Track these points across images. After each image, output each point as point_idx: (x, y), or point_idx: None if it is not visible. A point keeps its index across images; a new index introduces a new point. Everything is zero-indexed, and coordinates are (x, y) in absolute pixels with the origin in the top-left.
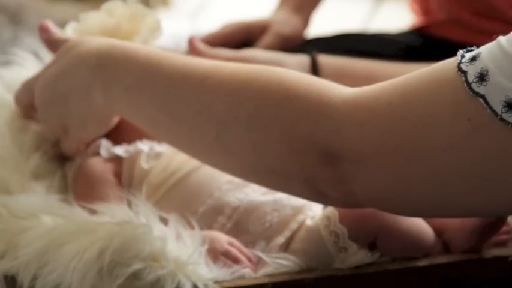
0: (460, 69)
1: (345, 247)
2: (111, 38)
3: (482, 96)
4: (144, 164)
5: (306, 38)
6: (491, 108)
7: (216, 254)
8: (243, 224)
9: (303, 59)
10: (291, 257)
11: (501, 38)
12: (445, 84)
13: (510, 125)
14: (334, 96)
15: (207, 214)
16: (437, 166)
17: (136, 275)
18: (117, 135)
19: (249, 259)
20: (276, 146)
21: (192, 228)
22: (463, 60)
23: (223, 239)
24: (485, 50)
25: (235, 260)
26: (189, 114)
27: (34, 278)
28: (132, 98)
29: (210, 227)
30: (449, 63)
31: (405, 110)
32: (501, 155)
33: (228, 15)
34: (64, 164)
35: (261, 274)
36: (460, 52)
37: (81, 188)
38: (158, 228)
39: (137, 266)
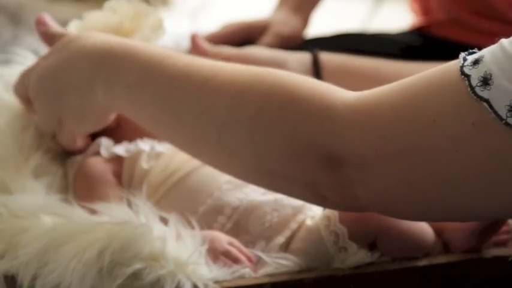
0: (462, 72)
1: (345, 247)
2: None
3: (487, 101)
4: (144, 164)
5: (306, 38)
6: (495, 112)
7: (216, 254)
8: (243, 224)
9: (305, 56)
10: (291, 256)
11: (504, 41)
12: (448, 88)
13: None
14: (336, 100)
15: (207, 214)
16: (441, 169)
17: (136, 275)
18: (117, 133)
19: (249, 259)
20: (277, 149)
21: (192, 228)
22: (466, 64)
23: (223, 239)
24: (488, 53)
25: (235, 260)
26: (190, 115)
27: (34, 278)
28: (133, 95)
29: (210, 226)
30: (452, 66)
31: (408, 113)
32: (506, 159)
33: (228, 15)
34: (64, 164)
35: (261, 274)
36: (462, 55)
37: (81, 188)
38: (158, 228)
39: (137, 266)
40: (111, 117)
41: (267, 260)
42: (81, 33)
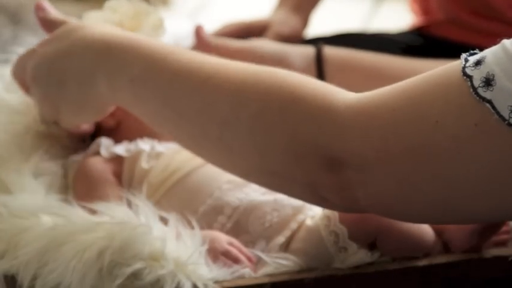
0: (465, 73)
1: (344, 247)
2: None
3: (489, 102)
4: (144, 163)
5: (306, 37)
6: (498, 113)
7: (216, 254)
8: (243, 224)
9: (308, 50)
10: (291, 256)
11: (506, 42)
12: (450, 89)
13: None
14: (337, 101)
15: (207, 214)
16: (443, 170)
17: (136, 275)
18: (117, 133)
19: (249, 259)
20: (278, 148)
21: (192, 228)
22: (468, 65)
23: (223, 239)
24: (490, 54)
25: (235, 260)
26: (192, 111)
27: (34, 278)
28: (136, 90)
29: (210, 226)
30: (454, 66)
31: (410, 115)
32: (508, 160)
33: (228, 15)
34: (64, 164)
35: (261, 274)
36: (464, 56)
37: (81, 188)
38: (158, 228)
39: (137, 265)
40: (110, 110)
41: (267, 260)
42: (83, 23)
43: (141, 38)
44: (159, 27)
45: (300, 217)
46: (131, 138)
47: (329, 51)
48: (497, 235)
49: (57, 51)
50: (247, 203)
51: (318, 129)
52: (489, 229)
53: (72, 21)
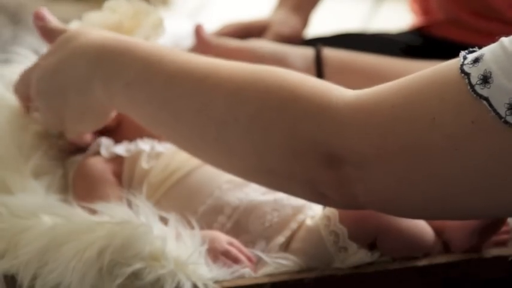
0: (463, 71)
1: (344, 247)
2: None
3: (486, 99)
4: (144, 163)
5: (306, 38)
6: (495, 110)
7: (216, 254)
8: (243, 224)
9: (308, 51)
10: (291, 256)
11: (504, 40)
12: (448, 86)
13: None
14: (336, 98)
15: (207, 214)
16: (440, 167)
17: (136, 275)
18: (118, 133)
19: (249, 259)
20: (277, 147)
21: (192, 228)
22: (466, 62)
23: (223, 239)
24: (488, 52)
25: (235, 260)
26: (189, 112)
27: (34, 278)
28: (132, 93)
29: (210, 226)
30: (452, 64)
31: (408, 112)
32: (505, 157)
33: (228, 15)
34: (64, 164)
35: (260, 274)
36: (462, 53)
37: (81, 188)
38: (158, 228)
39: (137, 265)
40: (112, 115)
41: (267, 260)
42: (80, 30)
43: (137, 41)
44: (158, 26)
45: (300, 217)
46: (131, 138)
47: (328, 53)
48: (497, 235)
49: (57, 61)
50: (247, 203)
51: (317, 126)
52: (489, 229)
53: (71, 29)
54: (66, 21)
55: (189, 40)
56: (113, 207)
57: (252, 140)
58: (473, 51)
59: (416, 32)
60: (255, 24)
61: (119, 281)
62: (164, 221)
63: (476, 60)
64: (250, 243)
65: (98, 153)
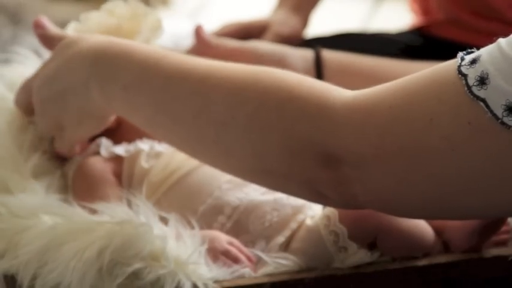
0: (460, 72)
1: (344, 247)
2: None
3: (483, 100)
4: (144, 163)
5: (305, 37)
6: (491, 112)
7: (216, 254)
8: (243, 224)
9: (307, 53)
10: (290, 256)
11: (501, 41)
12: (445, 87)
13: (511, 129)
14: (334, 99)
15: (207, 213)
16: (438, 168)
17: (136, 275)
18: (117, 134)
19: (249, 259)
20: (275, 147)
21: (192, 227)
22: (463, 63)
23: (223, 239)
24: (485, 53)
25: (235, 260)
26: (187, 114)
27: (34, 278)
28: (129, 96)
29: (210, 226)
30: (449, 65)
31: (405, 112)
32: (502, 158)
33: (228, 15)
34: (64, 164)
35: (260, 274)
36: (460, 54)
37: (81, 188)
38: (158, 228)
39: (137, 265)
40: (110, 120)
41: (266, 260)
42: (81, 35)
43: (135, 44)
44: (157, 28)
45: (300, 217)
46: (131, 139)
47: (328, 55)
48: (497, 235)
49: (56, 67)
50: (247, 203)
51: (315, 126)
52: (489, 229)
53: (70, 35)
54: (66, 21)
55: (189, 40)
56: (112, 207)
57: (250, 141)
58: (471, 52)
59: (416, 32)
60: (255, 24)
61: (119, 280)
62: (164, 220)
63: (473, 62)
64: (250, 243)
65: (97, 153)
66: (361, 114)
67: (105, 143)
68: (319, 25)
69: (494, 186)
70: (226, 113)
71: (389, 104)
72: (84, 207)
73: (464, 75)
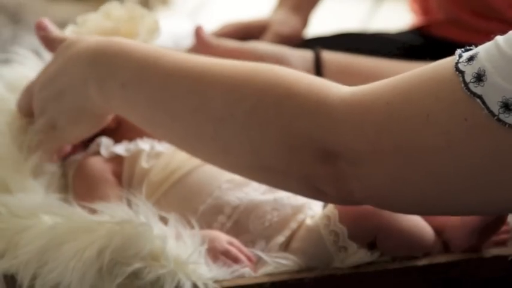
0: (457, 69)
1: (344, 246)
2: None
3: (480, 97)
4: (144, 163)
5: (305, 37)
6: (488, 108)
7: (216, 254)
8: (243, 223)
9: (307, 53)
10: (290, 256)
11: (498, 38)
12: (442, 84)
13: (507, 126)
14: (332, 95)
15: (207, 213)
16: (435, 165)
17: (136, 274)
18: (117, 133)
19: (249, 258)
20: (273, 143)
21: (192, 227)
22: (461, 60)
23: (223, 239)
24: (482, 50)
25: (235, 260)
26: (185, 112)
27: (34, 277)
28: (128, 94)
29: (210, 226)
30: (447, 62)
31: (403, 109)
32: (498, 155)
33: (228, 15)
34: (64, 164)
35: (260, 273)
36: (458, 51)
37: (81, 187)
38: (158, 228)
39: (137, 265)
40: (109, 118)
41: (266, 260)
42: (79, 37)
43: (133, 42)
44: (155, 30)
45: (300, 216)
46: (131, 138)
47: (327, 55)
48: (497, 235)
49: (56, 68)
50: (247, 203)
51: (313, 122)
52: (489, 228)
53: (70, 37)
54: (66, 21)
55: (189, 40)
56: (112, 207)
57: (249, 137)
58: (469, 49)
59: (416, 31)
60: (255, 24)
61: (118, 280)
62: (164, 220)
63: (470, 59)
64: (250, 242)
65: (97, 153)
66: (359, 111)
67: (105, 142)
68: (319, 25)
69: (491, 182)
70: (224, 109)
71: (387, 100)
72: (84, 207)
73: (462, 72)
